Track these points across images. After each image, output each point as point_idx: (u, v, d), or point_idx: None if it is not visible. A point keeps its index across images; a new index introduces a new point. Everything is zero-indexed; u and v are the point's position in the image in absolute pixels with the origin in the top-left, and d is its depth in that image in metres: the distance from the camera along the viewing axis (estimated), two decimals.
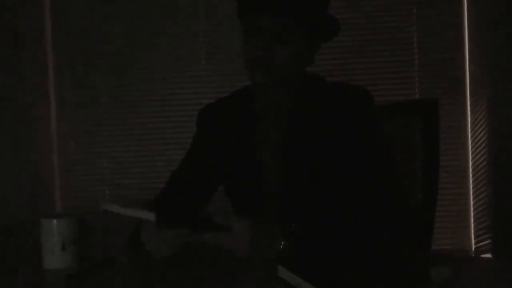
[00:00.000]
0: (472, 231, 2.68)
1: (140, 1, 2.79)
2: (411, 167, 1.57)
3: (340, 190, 1.27)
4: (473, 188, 2.67)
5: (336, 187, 1.27)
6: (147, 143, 2.81)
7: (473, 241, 2.67)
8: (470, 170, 2.68)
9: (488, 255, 2.51)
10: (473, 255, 2.62)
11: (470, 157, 2.68)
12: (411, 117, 1.60)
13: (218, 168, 1.41)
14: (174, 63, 2.78)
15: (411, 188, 1.56)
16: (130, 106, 2.80)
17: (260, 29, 1.22)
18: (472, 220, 2.68)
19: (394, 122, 1.61)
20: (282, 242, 1.12)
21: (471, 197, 2.68)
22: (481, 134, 2.58)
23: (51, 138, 2.82)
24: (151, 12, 2.78)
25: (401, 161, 1.56)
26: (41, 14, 2.78)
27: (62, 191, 2.84)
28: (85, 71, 2.80)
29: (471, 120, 2.67)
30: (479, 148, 2.60)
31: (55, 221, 1.19)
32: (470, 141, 2.68)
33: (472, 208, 2.68)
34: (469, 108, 2.68)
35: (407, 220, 1.25)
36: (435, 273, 0.99)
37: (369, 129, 1.29)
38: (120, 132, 2.81)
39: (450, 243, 2.66)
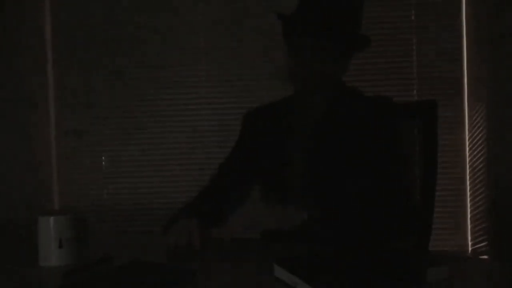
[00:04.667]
0: (469, 232, 2.68)
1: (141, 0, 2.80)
2: (410, 168, 1.58)
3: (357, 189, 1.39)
4: (470, 189, 2.68)
5: (356, 186, 1.39)
6: (145, 142, 2.81)
7: (469, 243, 2.68)
8: (468, 171, 2.68)
9: (485, 257, 2.52)
10: (470, 256, 2.62)
11: (468, 159, 2.68)
12: (410, 118, 1.61)
13: (256, 164, 1.57)
14: (174, 64, 2.79)
15: (410, 189, 1.56)
16: (129, 106, 2.80)
17: (302, 47, 1.42)
18: (469, 221, 2.69)
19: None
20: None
21: (468, 199, 2.68)
22: (479, 136, 2.59)
23: (50, 137, 2.82)
24: (151, 11, 2.79)
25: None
26: (41, 13, 2.78)
27: (61, 189, 2.84)
28: (85, 71, 2.80)
29: (468, 121, 2.68)
30: (477, 150, 2.61)
31: (52, 218, 1.19)
32: (467, 143, 2.69)
33: (469, 210, 2.69)
34: (466, 109, 2.68)
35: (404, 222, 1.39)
36: (432, 273, 0.99)
37: (391, 142, 1.46)
38: (119, 132, 2.81)
39: (448, 245, 2.67)
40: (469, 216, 2.68)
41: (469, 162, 2.68)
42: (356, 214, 1.33)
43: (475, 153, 2.63)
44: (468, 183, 2.68)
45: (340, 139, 1.45)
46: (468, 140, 2.68)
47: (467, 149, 2.68)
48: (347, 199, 1.37)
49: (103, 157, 2.83)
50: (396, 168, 1.44)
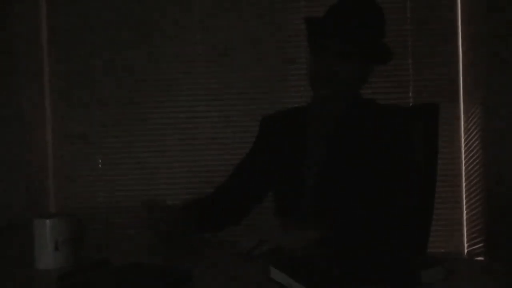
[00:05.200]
0: (465, 234, 2.69)
1: (137, 1, 2.80)
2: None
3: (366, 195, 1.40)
4: (466, 191, 2.69)
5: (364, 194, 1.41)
6: (144, 144, 2.81)
7: (465, 245, 2.68)
8: (463, 173, 2.69)
9: (481, 258, 2.52)
10: (466, 257, 2.63)
11: (463, 161, 2.69)
12: (411, 120, 1.62)
13: (271, 169, 1.57)
14: (172, 66, 2.79)
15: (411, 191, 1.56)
16: (127, 108, 2.80)
17: (326, 50, 1.43)
18: (465, 224, 2.69)
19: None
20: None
21: (464, 200, 2.69)
22: (474, 140, 2.59)
23: (46, 139, 2.81)
24: (148, 11, 2.79)
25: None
26: (36, 14, 2.78)
27: (58, 192, 2.83)
28: (81, 72, 2.80)
29: (464, 125, 2.68)
30: (473, 152, 2.62)
31: (48, 221, 1.19)
32: (463, 147, 2.69)
33: (465, 212, 2.69)
34: (462, 113, 2.69)
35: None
36: (427, 274, 0.99)
37: (404, 150, 1.48)
38: (117, 133, 2.81)
39: (444, 246, 2.67)
40: (465, 217, 2.69)
41: (465, 164, 2.69)
42: (369, 223, 1.33)
43: (471, 154, 2.63)
44: (464, 184, 2.69)
45: (355, 150, 1.46)
46: (464, 141, 2.68)
47: (463, 150, 2.69)
48: (362, 212, 1.37)
49: (99, 160, 2.82)
50: (410, 178, 1.46)
